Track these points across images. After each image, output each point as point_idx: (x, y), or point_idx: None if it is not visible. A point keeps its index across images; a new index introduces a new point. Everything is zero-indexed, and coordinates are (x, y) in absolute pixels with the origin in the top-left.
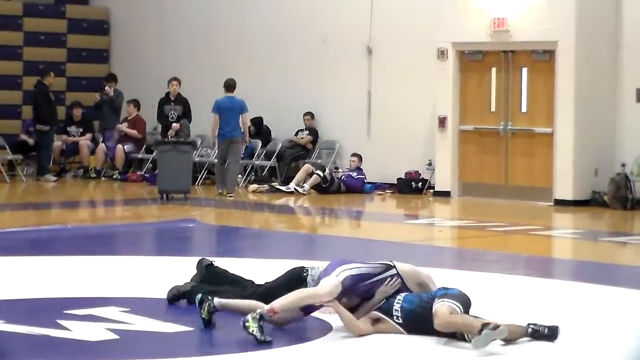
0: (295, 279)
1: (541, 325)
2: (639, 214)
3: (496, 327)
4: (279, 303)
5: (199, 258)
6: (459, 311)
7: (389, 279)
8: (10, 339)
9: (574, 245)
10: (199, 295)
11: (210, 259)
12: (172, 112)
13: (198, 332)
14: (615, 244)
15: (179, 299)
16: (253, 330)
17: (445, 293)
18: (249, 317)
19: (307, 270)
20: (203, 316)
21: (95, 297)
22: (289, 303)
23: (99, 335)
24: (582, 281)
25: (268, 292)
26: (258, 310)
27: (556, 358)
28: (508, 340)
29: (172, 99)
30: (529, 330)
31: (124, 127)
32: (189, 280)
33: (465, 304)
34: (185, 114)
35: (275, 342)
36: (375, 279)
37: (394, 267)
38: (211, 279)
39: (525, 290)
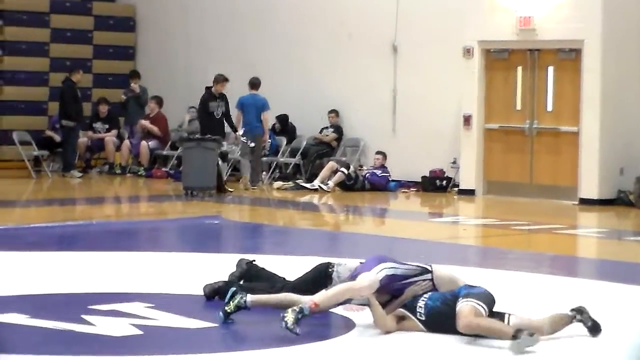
0: (322, 275)
1: (587, 316)
2: None
3: (532, 334)
4: (320, 297)
5: (225, 254)
6: (483, 312)
7: (421, 282)
8: (35, 333)
9: (599, 245)
10: (233, 288)
11: (251, 257)
12: (218, 109)
13: (222, 328)
14: None
15: (216, 294)
16: (287, 319)
17: (469, 292)
18: (290, 309)
19: (334, 266)
20: (227, 309)
21: (120, 293)
22: (331, 297)
23: (123, 331)
24: (607, 280)
25: (294, 288)
26: (300, 305)
27: (579, 357)
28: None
29: (217, 96)
30: (574, 318)
31: (146, 123)
32: (226, 278)
33: (490, 303)
34: (228, 110)
35: (298, 339)
36: (409, 280)
37: (431, 272)
38: (249, 277)
39: (550, 288)
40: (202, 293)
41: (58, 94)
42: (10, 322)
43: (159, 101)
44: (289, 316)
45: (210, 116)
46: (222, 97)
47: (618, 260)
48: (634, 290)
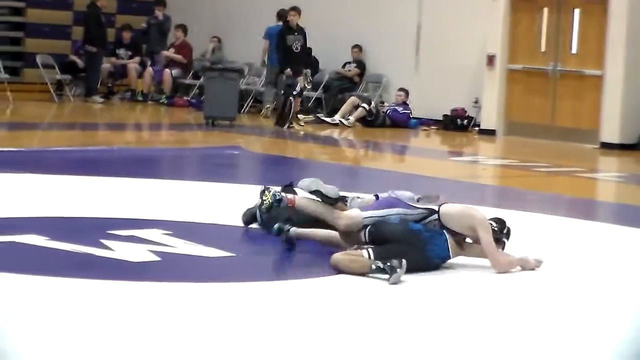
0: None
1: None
2: None
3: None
4: (301, 200)
5: (244, 185)
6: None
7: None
8: (53, 255)
9: (618, 189)
10: (277, 225)
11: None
12: (296, 43)
13: (240, 258)
14: None
15: (252, 221)
16: (266, 199)
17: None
18: (268, 192)
19: (347, 200)
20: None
21: (138, 219)
22: (309, 205)
23: (141, 257)
24: (625, 225)
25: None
26: (277, 193)
27: (592, 299)
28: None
29: (295, 29)
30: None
31: (169, 53)
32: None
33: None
34: (305, 44)
35: (314, 272)
36: None
37: (437, 212)
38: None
39: (567, 231)
40: (240, 221)
41: (82, 19)
42: (29, 243)
43: (185, 29)
44: (268, 197)
45: (288, 50)
46: (300, 31)
47: (637, 205)
48: None
